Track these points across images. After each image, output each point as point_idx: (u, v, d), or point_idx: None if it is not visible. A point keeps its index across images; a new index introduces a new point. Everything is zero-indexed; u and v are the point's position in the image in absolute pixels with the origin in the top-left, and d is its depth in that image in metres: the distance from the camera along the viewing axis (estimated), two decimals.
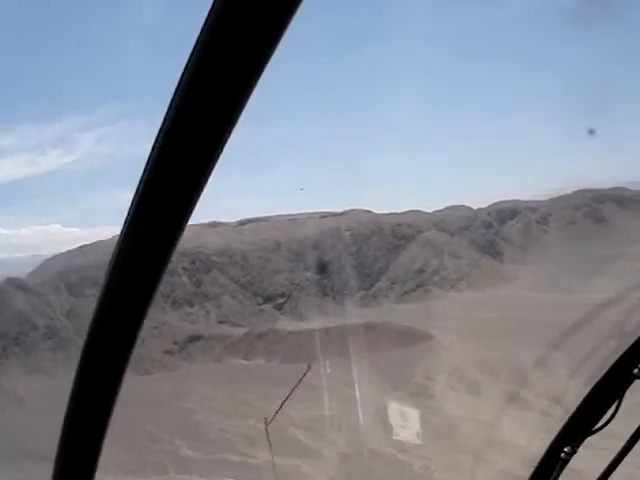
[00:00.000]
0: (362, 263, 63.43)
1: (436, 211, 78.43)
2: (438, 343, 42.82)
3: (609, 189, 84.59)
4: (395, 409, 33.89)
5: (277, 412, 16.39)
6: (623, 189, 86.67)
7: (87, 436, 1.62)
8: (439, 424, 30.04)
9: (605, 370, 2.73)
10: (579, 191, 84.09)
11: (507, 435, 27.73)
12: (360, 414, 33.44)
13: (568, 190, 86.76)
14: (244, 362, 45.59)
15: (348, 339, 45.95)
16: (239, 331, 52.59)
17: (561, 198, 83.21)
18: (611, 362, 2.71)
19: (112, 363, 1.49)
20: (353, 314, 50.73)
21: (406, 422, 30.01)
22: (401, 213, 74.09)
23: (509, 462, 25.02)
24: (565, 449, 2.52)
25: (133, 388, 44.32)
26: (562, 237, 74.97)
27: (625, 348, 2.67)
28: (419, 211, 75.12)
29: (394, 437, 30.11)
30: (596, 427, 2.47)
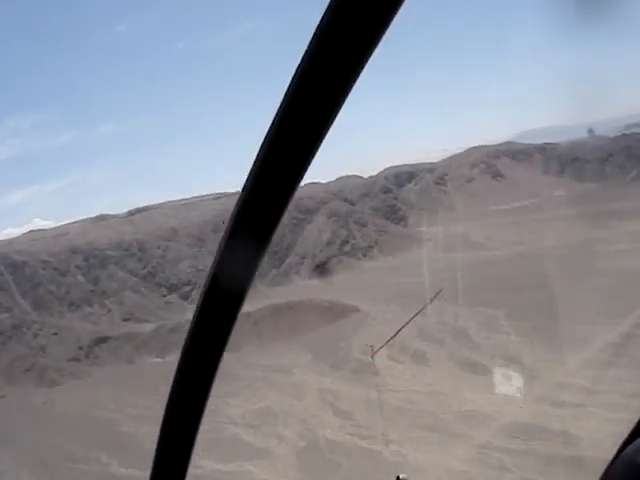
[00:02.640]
0: None
1: (330, 182, 76.63)
2: (366, 314, 40.52)
3: (500, 144, 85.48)
4: (345, 391, 31.61)
5: None
6: (513, 143, 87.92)
7: (183, 430, 1.76)
8: (395, 402, 27.61)
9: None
10: (471, 149, 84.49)
11: (473, 404, 25.62)
12: (304, 401, 30.70)
13: (457, 149, 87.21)
14: (159, 360, 41.77)
15: (272, 322, 43.16)
16: (148, 327, 48.58)
17: (455, 157, 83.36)
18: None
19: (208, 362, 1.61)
20: (269, 295, 47.76)
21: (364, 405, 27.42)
22: (299, 186, 71.81)
23: (487, 434, 22.86)
24: None
25: (42, 403, 39.77)
26: (462, 195, 74.84)
27: None
28: (317, 183, 73.08)
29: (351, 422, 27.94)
30: None
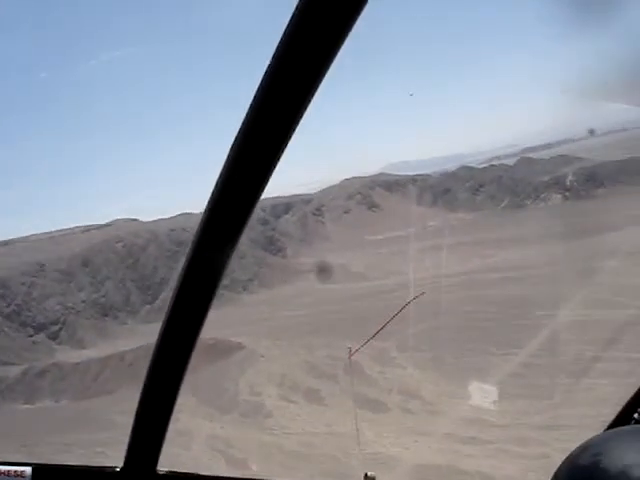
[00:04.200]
0: (142, 275, 57.44)
1: (201, 212, 74.55)
2: (252, 352, 38.47)
3: (374, 175, 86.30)
4: (237, 436, 29.34)
5: None
6: (386, 174, 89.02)
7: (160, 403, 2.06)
8: (292, 446, 25.72)
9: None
10: (346, 180, 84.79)
11: (377, 445, 24.12)
12: (193, 450, 28.18)
13: (332, 181, 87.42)
14: (28, 407, 37.91)
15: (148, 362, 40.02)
16: (14, 370, 44.22)
17: (331, 188, 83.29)
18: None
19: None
20: (144, 333, 44.78)
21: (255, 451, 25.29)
22: (170, 218, 69.59)
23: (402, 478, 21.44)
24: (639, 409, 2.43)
25: None
26: (339, 226, 74.60)
27: None
28: (191, 213, 70.89)
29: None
30: None
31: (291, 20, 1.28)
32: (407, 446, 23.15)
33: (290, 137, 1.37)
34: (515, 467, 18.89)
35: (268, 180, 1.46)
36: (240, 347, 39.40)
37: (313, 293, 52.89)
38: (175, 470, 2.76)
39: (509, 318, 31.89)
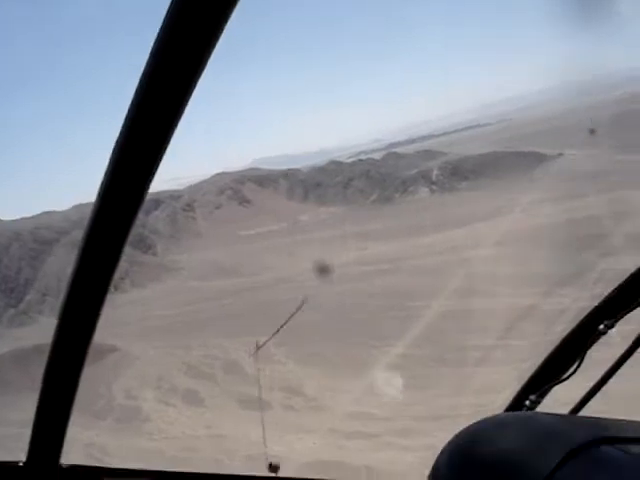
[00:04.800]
0: (4, 276, 54.11)
1: (68, 210, 71.71)
2: (127, 353, 37.00)
3: (245, 170, 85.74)
4: (113, 444, 27.92)
5: None
6: (257, 169, 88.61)
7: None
8: (172, 451, 24.83)
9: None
10: (217, 175, 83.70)
11: (261, 446, 23.65)
12: (69, 460, 26.52)
13: (202, 176, 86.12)
14: None
15: (19, 369, 37.71)
16: None
17: (201, 183, 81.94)
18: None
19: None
20: (10, 337, 42.25)
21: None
22: (33, 217, 66.25)
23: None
24: (531, 397, 2.49)
25: None
26: (211, 222, 73.42)
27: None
28: (53, 211, 67.84)
29: None
30: (560, 379, 2.41)
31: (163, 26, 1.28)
32: (292, 444, 22.85)
33: (175, 128, 1.37)
34: (401, 459, 19.00)
35: (154, 173, 1.46)
36: (113, 349, 37.76)
37: (186, 291, 51.86)
38: (79, 464, 2.70)
39: (386, 310, 32.29)
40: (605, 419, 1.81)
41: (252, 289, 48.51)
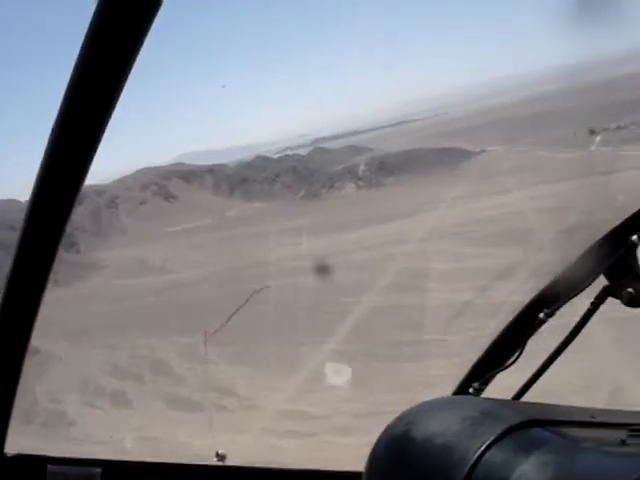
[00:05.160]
0: None
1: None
2: (50, 355, 35.67)
3: (170, 165, 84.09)
4: (39, 449, 26.81)
5: None
6: (182, 164, 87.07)
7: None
8: (101, 457, 24.03)
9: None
10: (141, 170, 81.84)
11: (193, 448, 23.19)
12: None
13: (127, 171, 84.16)
14: None
15: None
16: None
17: (125, 178, 79.99)
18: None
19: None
20: None
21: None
22: None
23: None
24: (474, 384, 2.57)
25: None
26: (135, 218, 71.86)
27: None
28: None
29: None
30: (503, 366, 2.51)
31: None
32: (224, 446, 22.46)
33: (109, 119, 1.31)
34: (341, 459, 18.90)
35: (89, 164, 1.41)
36: (35, 351, 36.34)
37: (111, 289, 50.64)
38: (23, 453, 2.67)
39: (317, 306, 32.20)
40: (538, 403, 1.92)
41: (179, 287, 47.76)
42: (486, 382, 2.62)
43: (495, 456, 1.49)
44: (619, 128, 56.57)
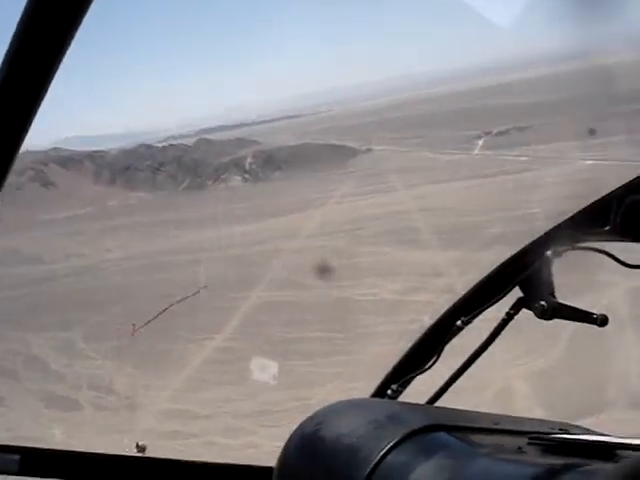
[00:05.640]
0: None
1: None
2: None
3: (47, 150, 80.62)
4: None
5: None
6: (60, 149, 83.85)
7: None
8: None
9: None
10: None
11: (68, 447, 22.17)
12: None
13: None
14: None
15: None
16: None
17: None
18: None
19: None
20: None
21: None
22: None
23: None
24: (392, 386, 2.58)
25: None
26: (10, 205, 68.20)
27: None
28: None
29: None
30: (419, 371, 2.54)
31: None
32: (104, 446, 21.58)
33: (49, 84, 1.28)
34: (223, 460, 18.50)
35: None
36: None
37: None
38: None
39: (202, 301, 31.60)
40: (446, 408, 1.97)
41: (55, 278, 45.75)
42: (404, 385, 2.63)
43: (396, 458, 1.53)
44: (501, 133, 58.71)
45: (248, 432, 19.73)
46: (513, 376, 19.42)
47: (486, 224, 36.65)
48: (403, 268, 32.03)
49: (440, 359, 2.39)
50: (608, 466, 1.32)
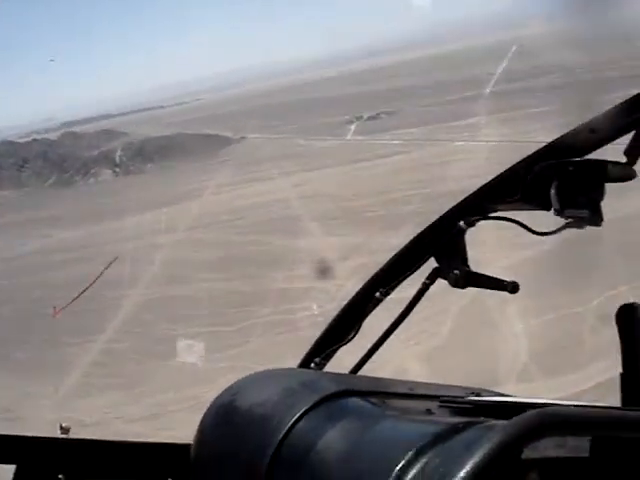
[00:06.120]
0: None
1: None
2: None
3: None
4: None
5: None
6: None
7: None
8: None
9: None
10: None
11: None
12: None
13: None
14: None
15: None
16: None
17: None
18: None
19: None
20: None
21: None
22: None
23: None
24: (315, 359, 2.67)
25: None
26: None
27: None
28: None
29: None
30: (341, 343, 2.69)
31: None
32: None
33: None
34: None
35: None
36: None
37: None
38: None
39: (81, 303, 30.23)
40: (362, 376, 2.10)
41: None
42: (327, 357, 2.73)
43: (308, 424, 1.58)
44: (371, 118, 59.61)
45: (142, 437, 18.96)
46: (407, 356, 19.70)
47: (366, 208, 37.14)
48: (287, 256, 31.89)
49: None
50: (505, 422, 1.37)
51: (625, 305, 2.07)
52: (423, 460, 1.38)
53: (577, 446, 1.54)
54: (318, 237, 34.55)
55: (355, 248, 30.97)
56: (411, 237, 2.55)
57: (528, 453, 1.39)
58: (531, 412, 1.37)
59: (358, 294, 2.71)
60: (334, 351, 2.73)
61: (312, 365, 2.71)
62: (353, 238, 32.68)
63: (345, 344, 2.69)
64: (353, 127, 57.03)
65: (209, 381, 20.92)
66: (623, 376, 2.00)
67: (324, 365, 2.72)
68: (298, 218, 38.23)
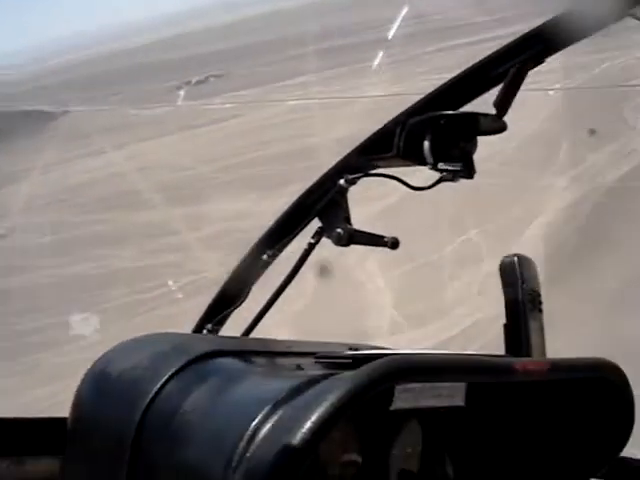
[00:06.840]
0: None
1: None
2: None
3: None
4: None
5: None
6: None
7: None
8: None
9: None
10: None
11: None
12: None
13: None
14: None
15: None
16: None
17: None
18: None
19: None
20: None
21: None
22: None
23: None
24: (207, 326, 2.72)
25: None
26: None
27: None
28: None
29: None
30: (232, 307, 2.74)
31: None
32: None
33: None
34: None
35: None
36: None
37: None
38: None
39: None
40: (239, 337, 2.20)
41: None
42: (219, 323, 2.77)
43: (175, 386, 1.59)
44: (199, 82, 58.56)
45: None
46: (276, 323, 19.55)
47: (209, 175, 36.53)
48: (135, 232, 30.84)
49: None
50: (353, 372, 1.41)
51: (508, 256, 2.17)
52: (279, 413, 1.40)
53: (453, 395, 1.60)
54: (163, 209, 33.56)
55: (204, 216, 30.43)
56: (294, 199, 2.59)
57: (404, 403, 1.47)
58: (379, 360, 1.41)
59: (246, 258, 2.76)
60: (225, 317, 2.79)
61: (204, 332, 2.74)
62: (199, 207, 32.11)
63: (236, 308, 2.75)
64: (182, 92, 55.71)
65: (69, 374, 19.83)
66: (507, 327, 2.11)
67: (217, 331, 2.77)
68: (139, 192, 36.92)
